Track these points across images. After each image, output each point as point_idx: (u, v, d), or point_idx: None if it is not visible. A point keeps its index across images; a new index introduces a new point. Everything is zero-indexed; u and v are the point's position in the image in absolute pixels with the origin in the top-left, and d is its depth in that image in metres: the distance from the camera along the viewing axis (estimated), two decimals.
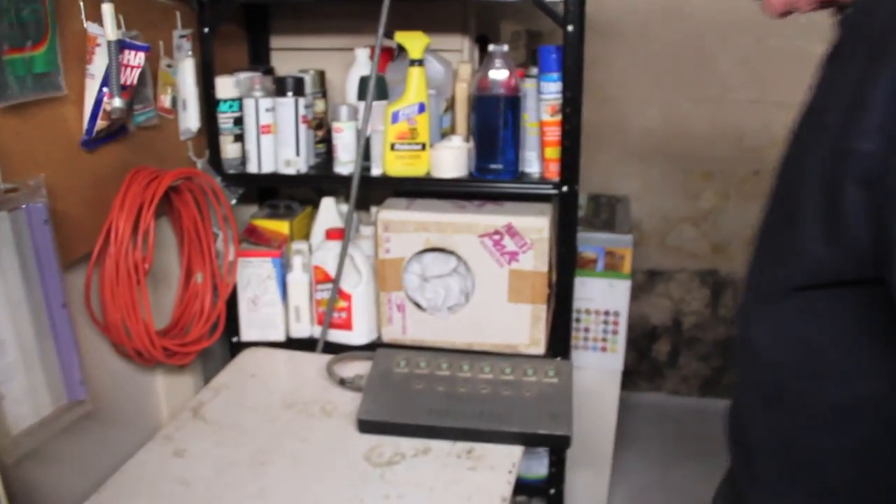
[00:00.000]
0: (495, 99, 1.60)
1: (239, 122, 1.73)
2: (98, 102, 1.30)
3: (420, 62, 1.60)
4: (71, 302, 1.35)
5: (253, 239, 1.78)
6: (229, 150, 1.75)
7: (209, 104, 1.71)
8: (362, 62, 1.73)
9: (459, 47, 1.83)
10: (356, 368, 1.63)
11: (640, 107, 2.84)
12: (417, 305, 1.74)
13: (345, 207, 1.74)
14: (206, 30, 1.67)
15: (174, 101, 1.59)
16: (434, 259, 1.72)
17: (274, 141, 1.71)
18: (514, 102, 1.61)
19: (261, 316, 1.78)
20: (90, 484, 1.30)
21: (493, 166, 1.64)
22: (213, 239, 1.64)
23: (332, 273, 1.72)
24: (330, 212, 1.84)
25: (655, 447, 2.76)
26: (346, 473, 1.30)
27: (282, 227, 1.82)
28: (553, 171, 1.63)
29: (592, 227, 2.08)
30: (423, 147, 1.64)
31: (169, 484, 1.28)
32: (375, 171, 1.69)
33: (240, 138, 1.74)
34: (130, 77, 1.32)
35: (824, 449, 0.90)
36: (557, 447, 1.72)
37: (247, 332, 1.80)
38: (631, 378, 3.14)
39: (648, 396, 3.14)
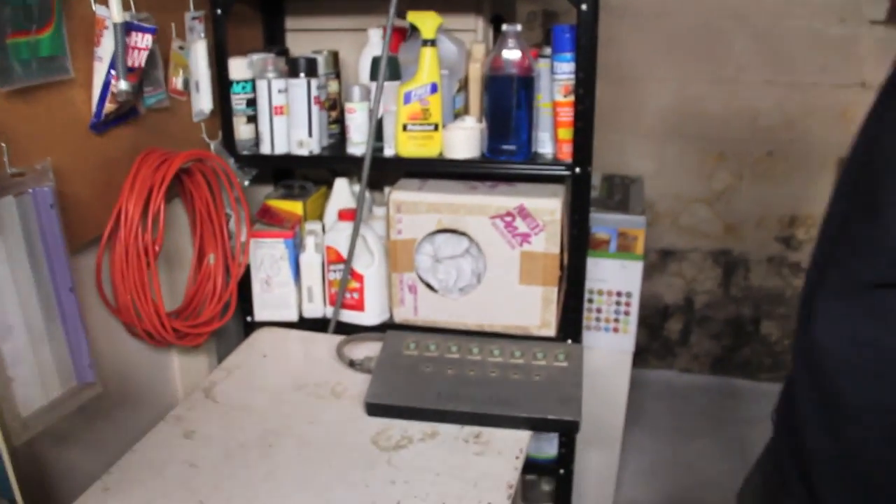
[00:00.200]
0: (508, 79, 1.54)
1: (252, 103, 1.68)
2: (106, 85, 1.25)
3: (432, 42, 1.54)
4: (82, 285, 1.32)
5: (266, 219, 1.73)
6: (242, 131, 1.70)
7: (222, 86, 1.66)
8: (375, 42, 1.67)
9: (473, 27, 1.76)
10: (366, 350, 1.59)
11: (654, 87, 2.77)
12: (429, 286, 1.69)
13: (358, 187, 1.68)
14: (219, 11, 1.62)
15: (186, 83, 1.54)
16: (446, 240, 1.66)
17: (287, 122, 1.66)
18: (527, 83, 1.55)
19: (274, 296, 1.74)
20: (105, 463, 1.27)
21: (505, 147, 1.58)
22: (226, 220, 1.59)
23: (345, 254, 1.68)
24: (343, 192, 1.79)
25: (665, 425, 2.71)
26: (352, 457, 1.26)
27: (295, 207, 1.77)
28: (566, 153, 1.57)
29: (606, 208, 2.02)
30: (436, 128, 1.59)
31: (177, 466, 1.24)
32: (388, 152, 1.64)
33: (253, 119, 1.70)
34: (138, 59, 1.27)
35: (892, 465, 0.80)
36: (566, 432, 1.67)
37: (260, 313, 1.76)
38: (642, 356, 3.09)
39: (659, 374, 3.09)
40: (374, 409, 1.36)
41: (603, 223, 1.96)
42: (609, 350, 2.07)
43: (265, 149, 1.68)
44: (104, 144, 1.32)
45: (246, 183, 1.68)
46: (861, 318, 0.79)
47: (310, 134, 1.66)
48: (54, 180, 1.14)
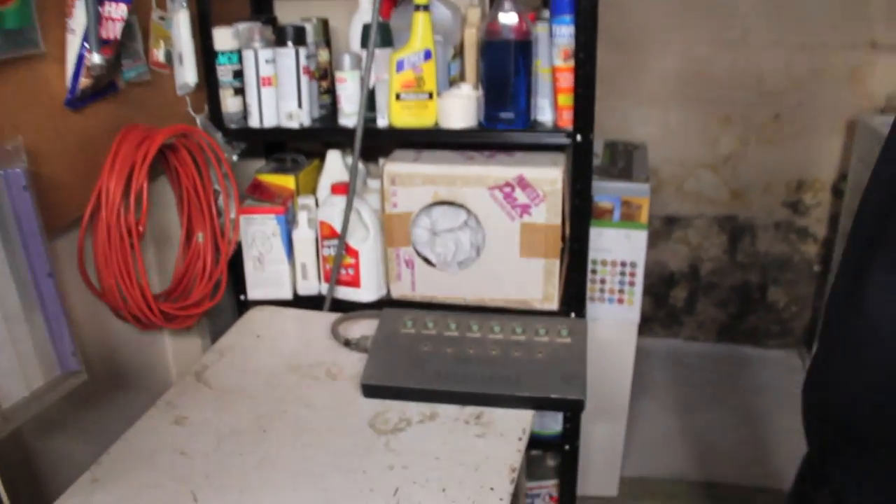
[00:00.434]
0: (505, 44, 1.48)
1: (239, 74, 1.62)
2: (80, 59, 1.19)
3: (425, 7, 1.48)
4: (64, 269, 1.27)
5: (257, 195, 1.68)
6: (230, 104, 1.64)
7: (207, 57, 1.60)
8: (365, 8, 1.61)
9: None
10: (362, 328, 1.54)
11: (657, 50, 2.69)
12: (427, 261, 1.64)
13: (351, 160, 1.63)
14: None
15: (169, 55, 1.47)
16: (443, 213, 1.62)
17: (275, 93, 1.60)
18: (525, 47, 1.49)
19: (267, 274, 1.69)
20: (97, 452, 1.22)
21: (503, 115, 1.53)
22: (215, 197, 1.54)
23: (339, 228, 1.62)
24: (336, 165, 1.74)
25: (672, 395, 2.67)
26: (349, 442, 1.21)
27: (287, 181, 1.72)
28: (566, 120, 1.52)
29: (608, 176, 1.95)
30: (430, 96, 1.53)
31: (168, 455, 1.20)
32: (381, 123, 1.58)
33: (240, 92, 1.64)
34: (112, 31, 1.20)
35: None
36: (570, 411, 1.62)
37: (253, 291, 1.71)
38: (648, 324, 3.04)
39: (665, 343, 3.04)
40: (370, 391, 1.31)
41: (606, 192, 1.90)
42: (614, 322, 2.02)
43: (254, 122, 1.63)
44: (82, 122, 1.26)
45: (234, 158, 1.63)
46: None
47: (299, 105, 1.60)
48: (27, 161, 1.08)
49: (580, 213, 1.56)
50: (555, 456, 1.92)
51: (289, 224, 1.67)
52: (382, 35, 1.53)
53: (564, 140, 1.52)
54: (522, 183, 1.52)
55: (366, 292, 1.67)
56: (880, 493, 0.88)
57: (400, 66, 1.51)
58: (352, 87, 1.57)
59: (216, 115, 1.64)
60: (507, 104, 1.52)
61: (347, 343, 1.46)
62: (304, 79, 1.59)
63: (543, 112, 1.57)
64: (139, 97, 1.40)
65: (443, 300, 1.65)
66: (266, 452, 1.19)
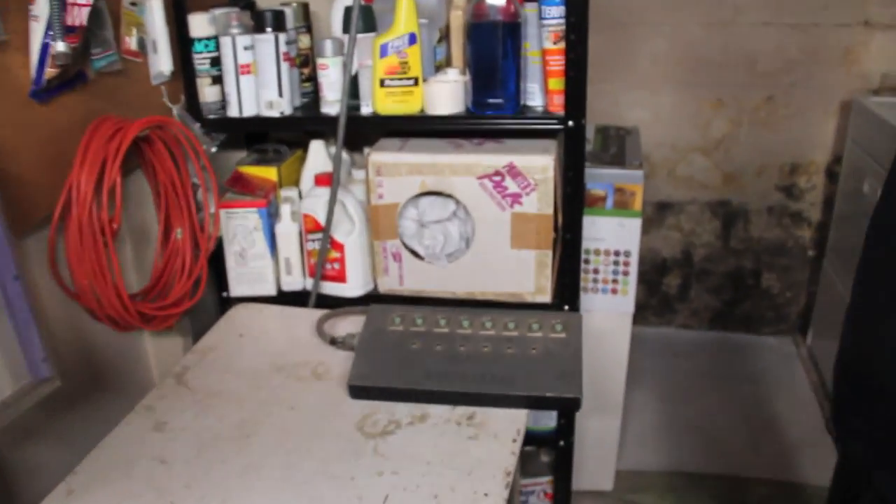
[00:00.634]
0: (493, 26, 1.43)
1: (216, 62, 1.56)
2: (45, 48, 1.13)
3: None
4: (34, 270, 1.21)
5: (238, 188, 1.62)
6: (207, 93, 1.58)
7: (182, 45, 1.54)
8: None
9: None
10: (348, 326, 1.49)
11: (647, 32, 2.65)
12: (414, 254, 1.59)
13: (335, 150, 1.57)
14: None
15: (142, 42, 1.42)
16: (431, 203, 1.57)
17: (255, 81, 1.55)
18: (513, 30, 1.44)
19: (249, 270, 1.64)
20: (77, 458, 1.17)
21: (492, 101, 1.48)
22: (193, 191, 1.48)
23: (323, 221, 1.57)
24: (320, 155, 1.68)
25: (666, 384, 2.64)
26: (336, 446, 1.16)
27: (269, 173, 1.66)
28: (557, 105, 1.47)
29: (601, 162, 1.90)
30: (416, 82, 1.48)
31: (146, 462, 1.15)
32: (365, 110, 1.53)
33: (218, 80, 1.58)
34: (78, 17, 1.14)
35: None
36: (566, 410, 1.58)
37: (236, 288, 1.66)
38: (641, 313, 3.00)
39: (658, 331, 3.00)
40: (357, 392, 1.27)
41: (598, 179, 1.86)
42: (608, 312, 1.98)
43: (233, 111, 1.57)
44: (49, 114, 1.20)
45: (213, 149, 1.57)
46: None
47: (280, 94, 1.55)
48: None
49: (573, 201, 1.51)
50: (549, 452, 1.88)
51: (271, 217, 1.62)
52: (365, 19, 1.47)
53: (556, 125, 1.47)
54: (513, 171, 1.47)
55: (352, 287, 1.62)
56: None
57: (384, 51, 1.45)
58: (334, 74, 1.51)
59: (193, 105, 1.58)
60: (496, 89, 1.47)
61: (333, 341, 1.42)
62: (285, 66, 1.54)
63: (533, 97, 1.52)
64: (111, 87, 1.35)
65: (431, 294, 1.60)
66: (249, 459, 1.15)
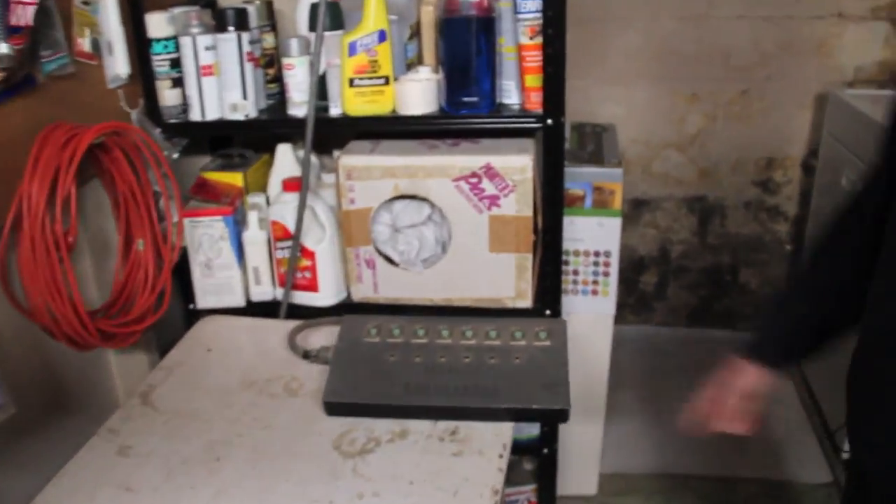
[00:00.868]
0: (466, 21, 1.38)
1: (176, 64, 1.49)
2: None
3: None
4: None
5: (202, 195, 1.56)
6: (168, 96, 1.51)
7: (140, 46, 1.47)
8: None
9: None
10: (322, 338, 1.43)
11: (620, 27, 2.61)
12: (389, 260, 1.54)
13: (303, 153, 1.52)
14: None
15: (96, 44, 1.34)
16: (405, 207, 1.51)
17: (217, 83, 1.48)
18: (487, 25, 1.39)
19: (216, 281, 1.57)
20: (40, 485, 1.11)
21: (466, 99, 1.43)
22: (155, 199, 1.42)
23: (292, 228, 1.51)
24: (287, 159, 1.62)
25: (647, 384, 2.61)
26: (313, 467, 1.11)
27: (234, 179, 1.60)
28: (535, 102, 1.42)
29: (578, 161, 1.86)
30: (387, 81, 1.43)
31: (111, 490, 1.08)
32: (334, 112, 1.48)
33: (179, 83, 1.51)
34: (23, 17, 1.07)
35: None
36: (554, 421, 1.53)
37: (202, 300, 1.59)
38: (619, 311, 2.95)
39: (637, 329, 2.97)
40: (333, 408, 1.21)
41: (576, 178, 1.81)
42: (589, 314, 1.94)
43: (195, 115, 1.51)
44: None
45: (175, 155, 1.51)
46: None
47: (244, 96, 1.49)
48: None
49: (553, 202, 1.47)
50: (532, 460, 1.83)
51: (238, 225, 1.56)
52: (332, 16, 1.41)
53: (534, 124, 1.43)
54: (490, 172, 1.42)
55: (324, 296, 1.56)
56: None
57: (352, 50, 1.40)
58: (301, 74, 1.46)
59: (153, 110, 1.51)
60: (470, 87, 1.42)
61: (306, 355, 1.36)
62: (249, 66, 1.48)
63: (509, 95, 1.47)
64: (63, 92, 1.27)
65: (408, 302, 1.55)
66: (221, 484, 1.09)
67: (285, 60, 1.46)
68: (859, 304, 1.00)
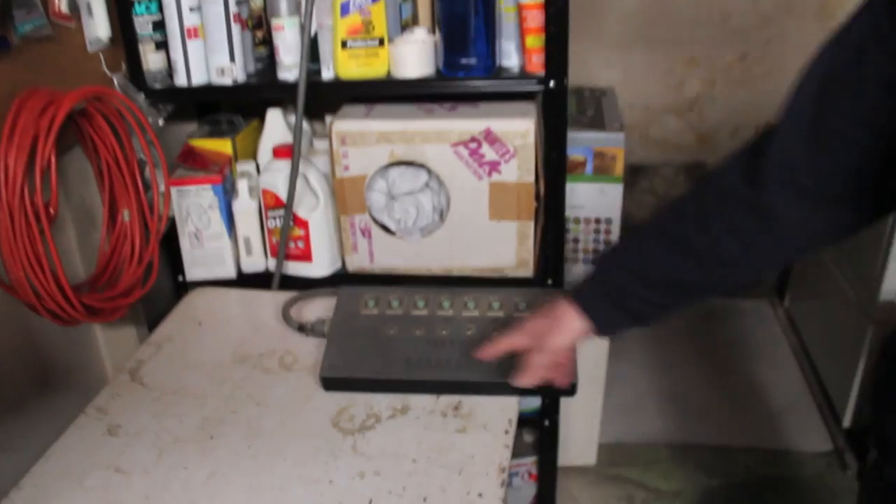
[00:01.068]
0: None
1: (160, 26, 1.43)
2: None
3: None
4: None
5: (190, 163, 1.50)
6: (151, 60, 1.45)
7: (121, 7, 1.40)
8: None
9: None
10: (318, 310, 1.38)
11: None
12: (385, 229, 1.50)
13: (294, 119, 1.46)
14: None
15: (74, 4, 1.28)
16: (401, 174, 1.47)
17: (203, 46, 1.42)
18: None
19: (206, 252, 1.52)
20: (26, 467, 1.06)
21: (464, 61, 1.38)
22: (140, 168, 1.36)
23: (284, 197, 1.46)
24: (278, 125, 1.57)
25: (645, 353, 2.56)
26: (311, 445, 1.06)
27: (223, 146, 1.55)
28: (536, 64, 1.37)
29: (579, 126, 1.80)
30: (381, 42, 1.38)
31: (100, 472, 1.04)
32: (326, 75, 1.42)
33: (163, 46, 1.45)
34: None
35: None
36: (561, 396, 1.49)
37: (192, 272, 1.54)
38: None
39: None
40: (331, 384, 1.16)
41: (577, 143, 1.75)
42: None
43: (180, 80, 1.44)
44: None
45: (160, 122, 1.45)
46: None
47: (231, 59, 1.42)
48: None
49: (556, 167, 1.42)
50: (532, 431, 1.80)
51: (227, 194, 1.51)
52: None
53: (535, 87, 1.38)
54: (490, 137, 1.37)
55: (318, 267, 1.52)
56: None
57: (345, 10, 1.34)
58: (291, 36, 1.39)
59: (136, 74, 1.45)
60: (468, 49, 1.37)
61: (302, 328, 1.31)
62: (236, 28, 1.41)
63: (509, 56, 1.42)
64: (39, 56, 1.21)
65: (405, 272, 1.51)
66: (215, 464, 1.04)
67: (274, 21, 1.39)
68: None
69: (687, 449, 2.16)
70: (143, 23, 1.42)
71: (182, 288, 1.58)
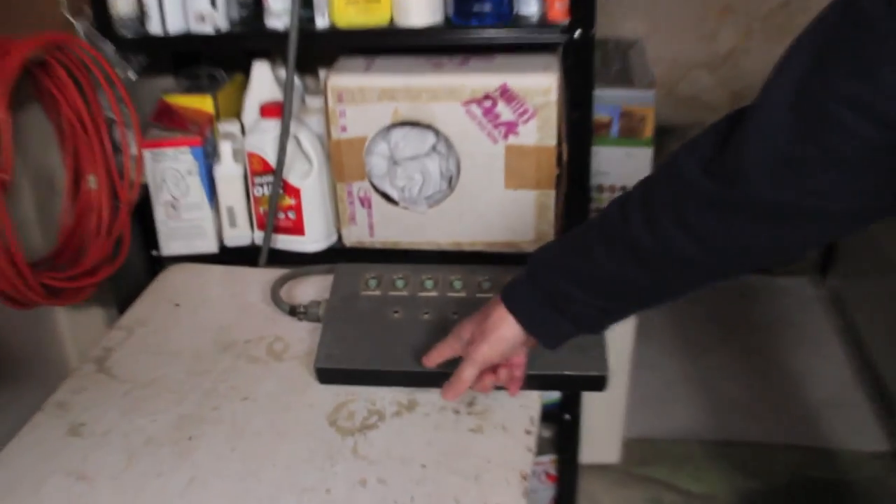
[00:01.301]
0: None
1: None
2: None
3: None
4: None
5: (165, 123, 1.49)
6: (121, 4, 1.41)
7: None
8: None
9: None
10: (311, 290, 1.35)
11: None
12: (387, 198, 1.48)
13: (284, 73, 1.45)
14: None
15: None
16: (405, 136, 1.45)
17: None
18: None
19: (184, 223, 1.51)
20: None
21: (476, 8, 1.35)
22: (109, 128, 1.34)
23: (273, 161, 1.44)
24: (265, 80, 1.54)
25: (673, 336, 2.54)
26: (304, 448, 1.02)
27: (204, 103, 1.54)
28: (559, 11, 1.34)
29: (603, 82, 1.76)
30: None
31: (59, 479, 0.99)
32: (320, 23, 1.40)
33: None
34: None
35: None
36: (590, 390, 1.45)
37: (168, 246, 1.53)
38: None
39: None
40: (327, 375, 1.12)
41: (601, 101, 1.71)
42: None
43: (154, 28, 1.41)
44: None
45: (132, 76, 1.42)
46: None
47: (213, 4, 1.39)
48: None
49: (580, 129, 1.39)
50: (550, 426, 1.76)
51: (208, 158, 1.49)
52: None
53: (557, 38, 1.34)
54: (506, 94, 1.34)
55: (311, 240, 1.51)
56: None
57: None
58: None
59: (103, 20, 1.41)
60: None
61: (294, 311, 1.27)
62: None
63: (528, 3, 1.38)
64: None
65: (409, 247, 1.49)
66: (194, 469, 1.00)
67: None
68: None
69: (721, 446, 2.14)
70: None
71: (156, 264, 1.56)
